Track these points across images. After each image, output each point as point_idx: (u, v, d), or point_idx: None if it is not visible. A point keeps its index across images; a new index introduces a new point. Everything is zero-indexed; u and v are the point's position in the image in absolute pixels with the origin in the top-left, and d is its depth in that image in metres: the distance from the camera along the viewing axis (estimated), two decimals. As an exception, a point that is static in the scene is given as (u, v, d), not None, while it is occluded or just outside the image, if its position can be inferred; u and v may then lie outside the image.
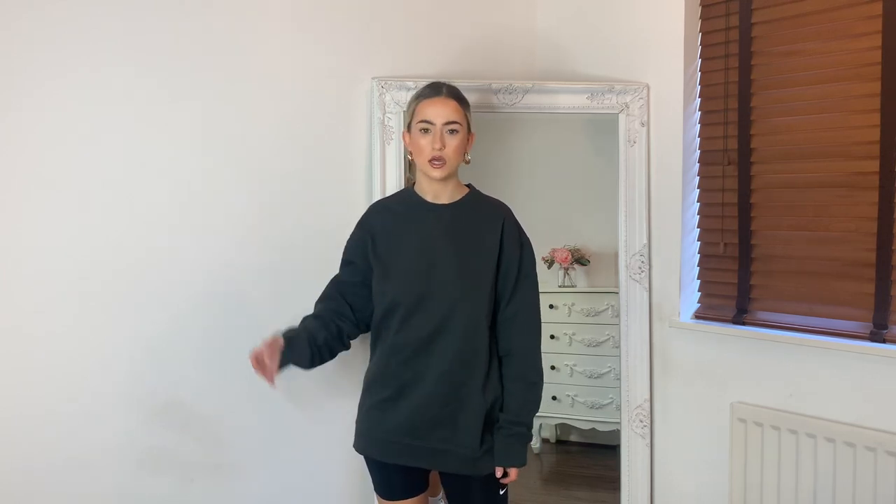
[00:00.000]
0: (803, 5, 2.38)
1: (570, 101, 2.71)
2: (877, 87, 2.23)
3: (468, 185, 2.18)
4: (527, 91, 2.67)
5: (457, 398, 2.06)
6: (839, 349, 2.29)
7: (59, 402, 2.17)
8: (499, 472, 2.08)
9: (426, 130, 2.06)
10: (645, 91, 2.71)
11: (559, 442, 3.42)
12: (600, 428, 3.20)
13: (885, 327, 2.24)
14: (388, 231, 2.13)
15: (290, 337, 2.10)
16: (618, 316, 2.73)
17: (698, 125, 2.66)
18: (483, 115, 2.69)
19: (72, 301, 2.18)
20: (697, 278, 2.70)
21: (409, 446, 2.08)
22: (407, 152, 2.18)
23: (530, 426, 2.11)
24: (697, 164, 2.67)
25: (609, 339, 3.16)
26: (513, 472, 2.08)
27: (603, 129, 2.77)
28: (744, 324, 2.53)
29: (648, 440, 2.74)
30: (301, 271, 2.54)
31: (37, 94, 2.11)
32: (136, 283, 2.26)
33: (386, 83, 2.58)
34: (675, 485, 2.73)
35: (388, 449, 2.10)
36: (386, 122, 2.58)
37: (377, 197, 2.57)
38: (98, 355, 2.22)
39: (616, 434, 2.79)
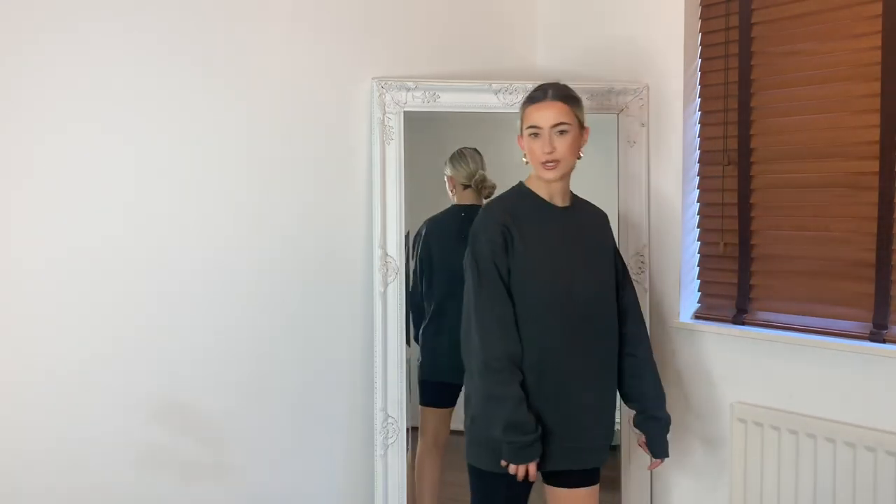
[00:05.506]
0: (803, 5, 2.38)
1: (570, 101, 2.71)
2: (877, 87, 2.23)
3: None
4: (527, 91, 2.66)
5: (605, 396, 2.19)
6: (839, 349, 2.28)
7: (59, 402, 2.17)
8: (656, 465, 2.29)
9: (535, 135, 2.11)
10: (645, 91, 2.71)
11: (559, 442, 3.41)
12: (600, 428, 3.19)
13: (885, 327, 2.24)
14: (524, 231, 2.11)
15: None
16: (618, 316, 2.73)
17: (698, 125, 2.66)
18: (483, 114, 2.69)
19: (71, 300, 2.18)
20: (697, 278, 2.70)
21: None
22: (523, 154, 2.20)
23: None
24: (697, 164, 2.67)
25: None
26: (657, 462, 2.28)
27: (603, 129, 2.77)
28: (744, 324, 2.52)
29: (648, 440, 2.74)
30: (301, 271, 2.54)
31: (36, 92, 2.11)
32: (135, 282, 2.27)
33: (386, 83, 2.58)
34: (675, 485, 2.73)
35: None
36: (386, 122, 2.58)
37: (377, 197, 2.58)
38: (98, 355, 2.22)
39: (616, 434, 2.78)
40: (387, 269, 2.59)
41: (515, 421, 2.01)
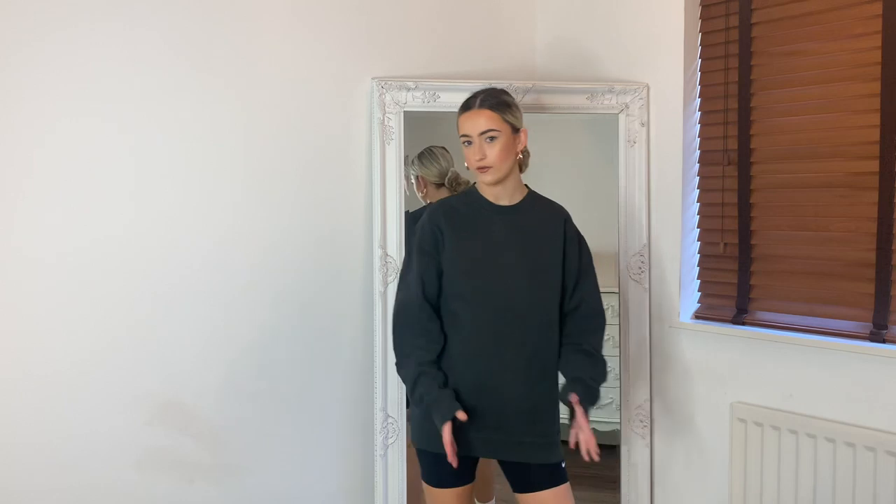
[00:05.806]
0: (803, 5, 2.38)
1: (570, 101, 2.71)
2: (877, 87, 2.23)
3: (525, 186, 2.25)
4: (527, 91, 2.66)
5: (536, 392, 2.17)
6: (839, 349, 2.29)
7: (59, 402, 2.17)
8: (574, 398, 2.13)
9: (468, 143, 2.15)
10: (645, 91, 2.71)
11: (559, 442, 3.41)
12: (600, 428, 3.19)
13: (885, 327, 2.24)
14: (458, 230, 2.16)
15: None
16: (618, 316, 2.73)
17: (698, 125, 2.66)
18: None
19: (71, 300, 2.18)
20: (697, 278, 2.70)
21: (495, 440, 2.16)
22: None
23: (599, 392, 2.20)
24: (697, 164, 2.67)
25: (609, 339, 3.13)
26: (583, 422, 2.12)
27: (603, 129, 2.77)
28: (744, 324, 2.53)
29: (648, 440, 2.74)
30: (301, 270, 2.54)
31: (36, 92, 2.11)
32: (135, 282, 2.27)
33: (386, 83, 2.58)
34: (675, 485, 2.73)
35: (475, 445, 2.15)
36: (386, 122, 2.58)
37: (377, 197, 2.58)
38: (97, 354, 2.22)
39: (616, 434, 2.79)
40: (387, 269, 2.59)
41: (415, 393, 2.10)
